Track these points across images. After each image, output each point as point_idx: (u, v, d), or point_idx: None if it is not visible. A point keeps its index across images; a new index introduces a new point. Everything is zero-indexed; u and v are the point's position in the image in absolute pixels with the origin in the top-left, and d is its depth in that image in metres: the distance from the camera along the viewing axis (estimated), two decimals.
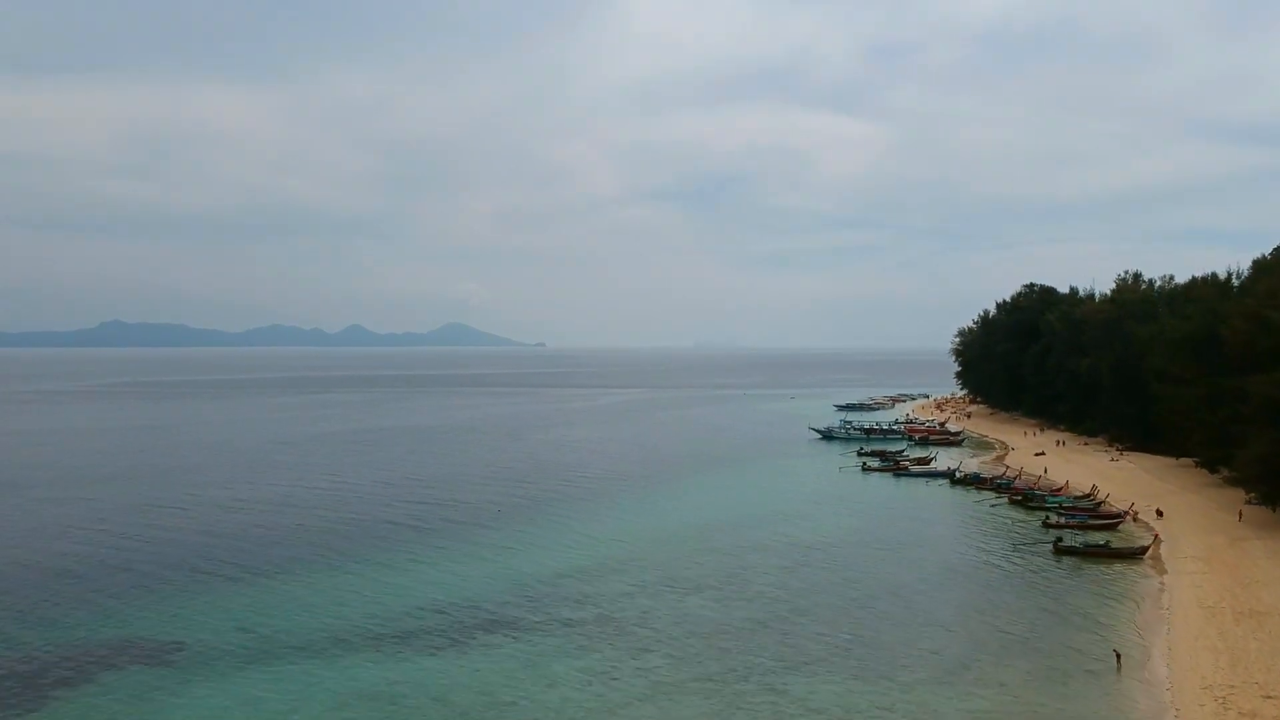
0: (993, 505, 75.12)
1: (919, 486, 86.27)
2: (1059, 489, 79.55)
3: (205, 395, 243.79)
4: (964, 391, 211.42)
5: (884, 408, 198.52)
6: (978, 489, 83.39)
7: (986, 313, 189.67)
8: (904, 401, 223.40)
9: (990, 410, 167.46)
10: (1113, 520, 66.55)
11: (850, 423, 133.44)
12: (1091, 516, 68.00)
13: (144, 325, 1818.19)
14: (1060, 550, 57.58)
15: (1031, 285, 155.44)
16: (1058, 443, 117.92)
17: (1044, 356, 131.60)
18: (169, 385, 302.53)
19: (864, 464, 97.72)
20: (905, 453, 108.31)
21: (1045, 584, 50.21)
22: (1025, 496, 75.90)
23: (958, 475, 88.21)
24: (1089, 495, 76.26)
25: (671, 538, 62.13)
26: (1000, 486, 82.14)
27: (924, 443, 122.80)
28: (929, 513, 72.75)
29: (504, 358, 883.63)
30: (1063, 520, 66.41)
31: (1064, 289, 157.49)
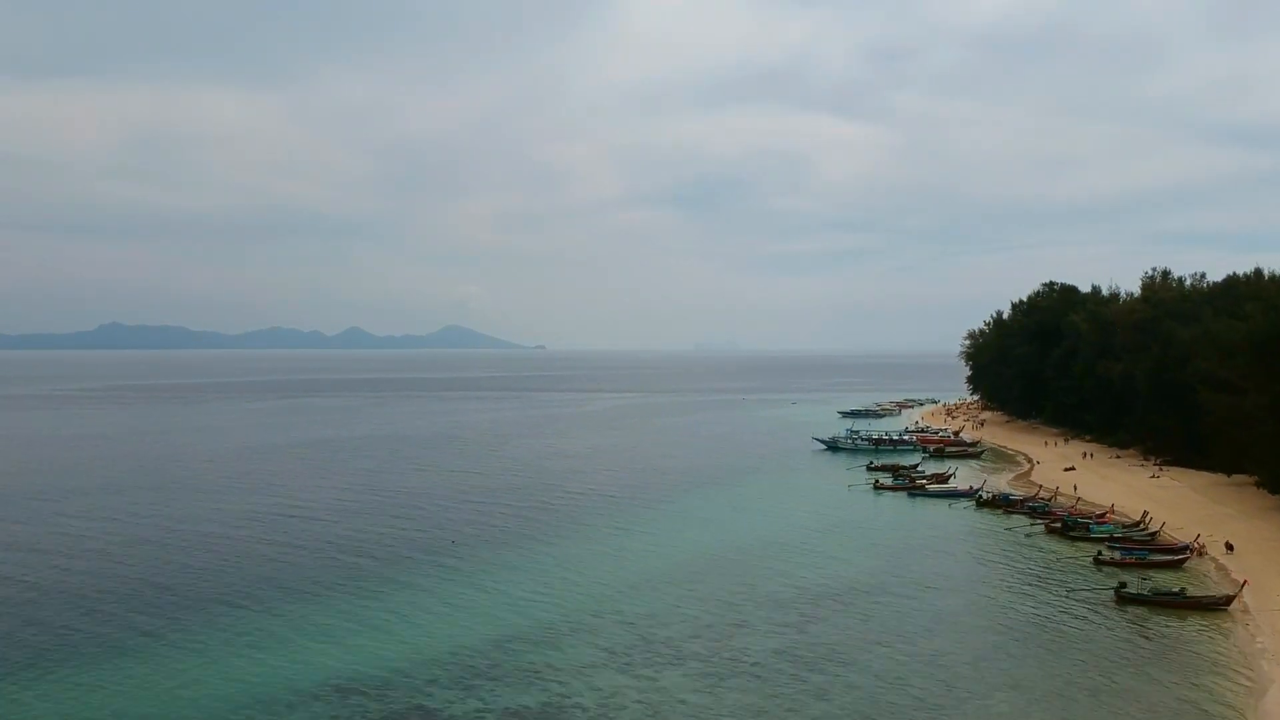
0: (1027, 534, 64.84)
1: (939, 509, 75.99)
2: (1103, 515, 69.10)
3: (181, 400, 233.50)
4: (975, 397, 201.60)
5: (890, 414, 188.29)
6: (1007, 513, 73.10)
7: (999, 314, 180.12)
8: (911, 407, 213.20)
9: (1006, 418, 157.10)
10: (1176, 556, 56.24)
11: (857, 433, 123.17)
12: (1151, 551, 57.69)
13: (143, 328, 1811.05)
14: (1125, 599, 47.33)
15: (1051, 284, 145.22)
16: (1084, 455, 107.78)
17: (1068, 360, 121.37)
18: (148, 389, 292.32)
19: (875, 481, 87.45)
20: (920, 468, 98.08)
21: (1117, 652, 39.88)
22: (1065, 524, 65.49)
23: (983, 496, 77.96)
24: (1140, 523, 65.91)
25: (653, 581, 51.83)
26: (1034, 511, 71.85)
27: (939, 455, 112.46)
28: (956, 545, 62.38)
29: (502, 360, 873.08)
30: (1118, 556, 56.13)
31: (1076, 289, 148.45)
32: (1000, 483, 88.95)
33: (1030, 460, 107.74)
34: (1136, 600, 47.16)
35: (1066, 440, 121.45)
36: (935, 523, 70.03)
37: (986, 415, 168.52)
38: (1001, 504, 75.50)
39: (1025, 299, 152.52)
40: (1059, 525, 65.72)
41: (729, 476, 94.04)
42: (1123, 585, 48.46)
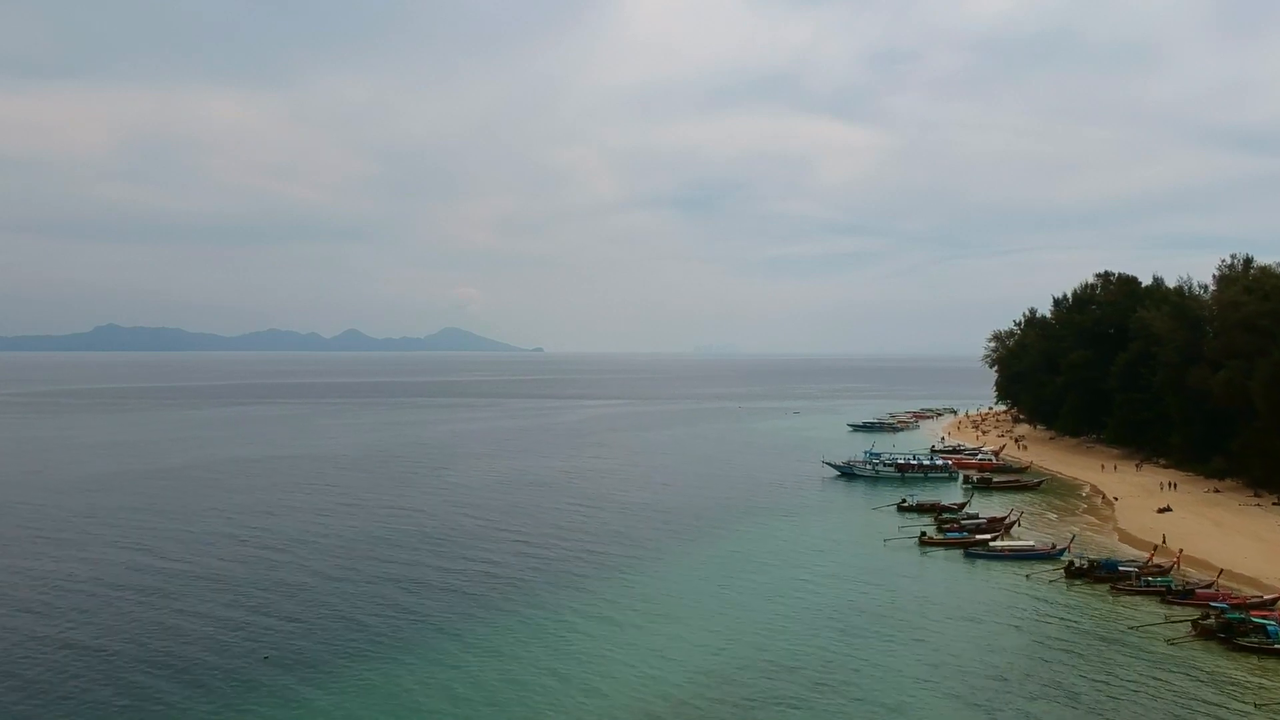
0: (1171, 640, 41.93)
1: (1014, 581, 53.09)
2: (1275, 604, 46.05)
3: (120, 408, 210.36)
4: (1002, 406, 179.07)
5: (908, 428, 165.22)
6: (1116, 591, 50.26)
7: (1033, 312, 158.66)
8: (930, 418, 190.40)
9: (1048, 433, 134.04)
10: None
11: (877, 456, 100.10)
12: None
13: (140, 329, 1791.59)
14: None
15: (1107, 274, 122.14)
16: (1163, 485, 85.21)
17: (1139, 367, 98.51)
18: (101, 394, 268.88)
19: (922, 535, 64.09)
20: (969, 507, 75.12)
21: None
22: (1225, 621, 42.53)
23: (1075, 562, 54.96)
24: None
25: None
26: (1166, 593, 48.88)
27: (984, 486, 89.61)
28: (1067, 668, 39.06)
29: (497, 363, 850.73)
30: None
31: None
32: (1090, 535, 65.47)
33: (1103, 494, 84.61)
34: None
35: (1139, 466, 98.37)
36: (1019, 612, 46.93)
37: (1024, 430, 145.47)
38: (1104, 574, 52.62)
39: (1071, 294, 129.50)
40: (1211, 622, 42.84)
41: (719, 522, 71.08)
42: None
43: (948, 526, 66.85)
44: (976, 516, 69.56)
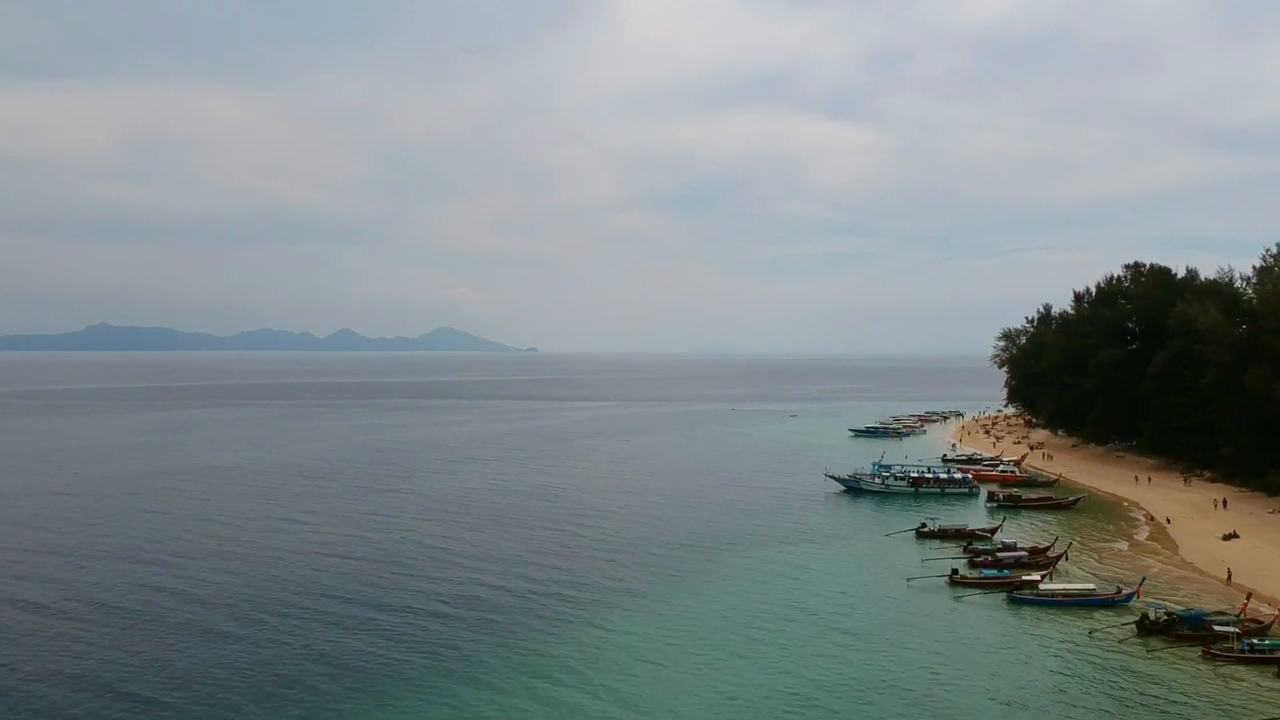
0: None
1: (1075, 639, 42.07)
2: None
3: (90, 408, 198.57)
4: (1013, 408, 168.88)
5: (913, 432, 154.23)
6: (1209, 657, 39.06)
7: (1048, 308, 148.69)
8: (935, 421, 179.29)
9: (1071, 441, 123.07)
10: None
11: (888, 468, 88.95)
12: None
13: (133, 329, 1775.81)
14: None
15: (1137, 265, 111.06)
16: (1216, 503, 74.45)
17: (1181, 367, 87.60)
18: (68, 395, 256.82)
19: (953, 574, 52.70)
20: (1000, 534, 64.08)
21: None
22: None
23: (1151, 616, 43.61)
24: None
25: None
26: None
27: (1011, 504, 78.54)
28: None
29: (489, 363, 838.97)
30: None
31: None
32: (1165, 572, 53.85)
33: (1154, 518, 73.33)
34: None
35: (1186, 480, 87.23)
36: (1092, 693, 35.71)
37: (1042, 436, 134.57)
38: (1190, 631, 41.48)
39: (1095, 287, 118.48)
40: None
41: (710, 555, 59.85)
42: None
43: (981, 560, 55.77)
44: (1014, 547, 58.43)
